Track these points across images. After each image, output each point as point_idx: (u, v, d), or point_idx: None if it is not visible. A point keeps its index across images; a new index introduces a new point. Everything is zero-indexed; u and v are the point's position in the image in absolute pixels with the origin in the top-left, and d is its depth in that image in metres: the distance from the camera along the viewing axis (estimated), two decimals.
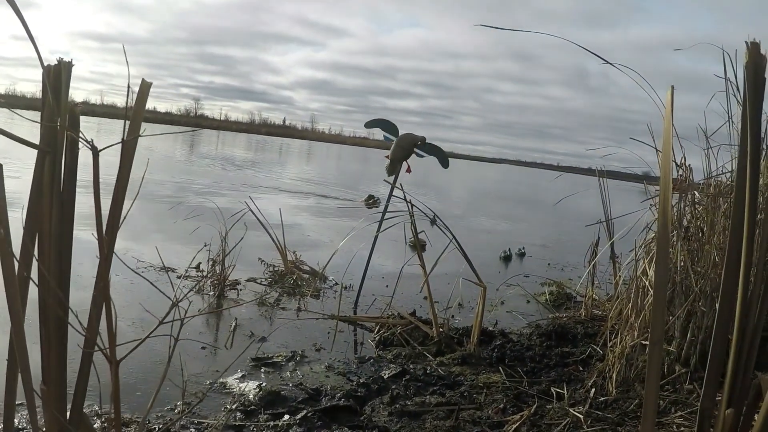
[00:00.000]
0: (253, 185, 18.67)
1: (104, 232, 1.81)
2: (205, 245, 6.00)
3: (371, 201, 17.90)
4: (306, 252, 8.23)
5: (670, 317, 4.42)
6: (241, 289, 6.68)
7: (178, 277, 6.70)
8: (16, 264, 1.71)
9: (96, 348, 1.89)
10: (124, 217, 1.89)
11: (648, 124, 5.07)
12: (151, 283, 2.39)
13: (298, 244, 8.25)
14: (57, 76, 1.75)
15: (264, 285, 7.04)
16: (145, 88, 1.80)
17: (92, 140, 1.63)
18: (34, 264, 1.81)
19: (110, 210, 1.83)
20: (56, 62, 1.75)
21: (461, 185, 37.93)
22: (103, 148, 1.71)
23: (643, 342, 4.37)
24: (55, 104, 1.74)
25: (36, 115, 1.81)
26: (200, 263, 7.02)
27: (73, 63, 1.77)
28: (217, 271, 6.52)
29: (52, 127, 1.73)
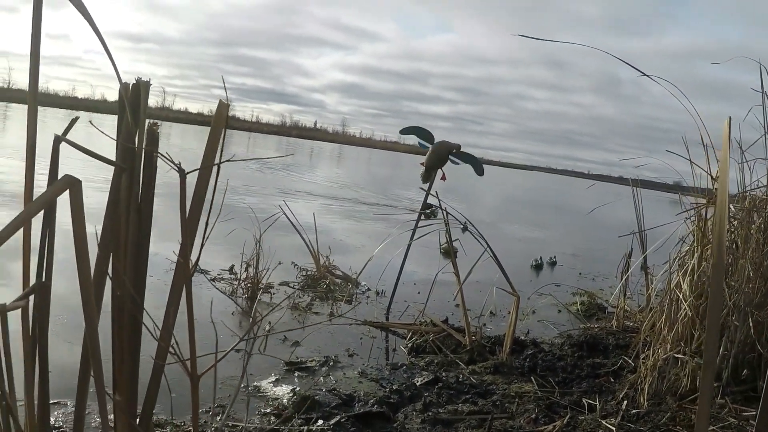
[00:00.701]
0: (285, 188, 18.77)
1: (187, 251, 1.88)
2: (242, 254, 6.06)
3: (429, 210, 17.44)
4: (339, 256, 8.28)
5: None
6: (274, 293, 6.75)
7: (212, 279, 6.79)
8: (92, 271, 1.77)
9: (173, 361, 1.95)
10: (208, 235, 1.95)
11: (683, 136, 5.09)
12: (228, 295, 2.46)
13: (330, 248, 8.30)
14: (136, 94, 1.82)
15: (297, 289, 7.10)
16: (222, 109, 1.85)
17: (179, 163, 1.70)
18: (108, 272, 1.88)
19: (182, 224, 1.88)
20: (135, 81, 1.81)
21: (492, 192, 37.82)
22: (189, 172, 1.77)
23: (676, 355, 4.38)
24: (134, 122, 1.81)
25: (69, 114, 1.87)
26: (233, 266, 7.09)
27: (151, 82, 1.84)
28: (251, 275, 6.58)
29: (129, 144, 1.80)
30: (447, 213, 5.97)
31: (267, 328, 5.50)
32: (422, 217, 6.83)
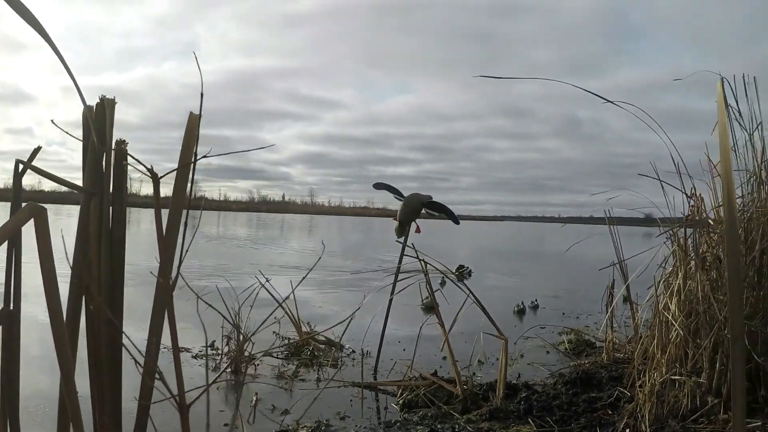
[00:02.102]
0: (258, 263, 18.61)
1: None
2: (222, 327, 5.94)
3: (460, 271, 17.37)
4: (320, 323, 8.15)
5: (697, 349, 4.36)
6: (257, 364, 6.59)
7: (194, 357, 6.65)
8: (65, 309, 1.69)
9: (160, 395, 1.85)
10: (186, 250, 1.86)
11: (652, 162, 5.09)
12: (216, 309, 2.35)
13: (311, 317, 8.18)
14: (100, 115, 1.74)
15: (280, 358, 6.95)
16: (194, 120, 1.79)
17: (152, 166, 1.62)
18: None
19: (158, 237, 1.80)
20: (98, 100, 1.74)
21: (465, 245, 37.83)
22: (163, 175, 1.70)
23: (673, 377, 4.30)
24: (100, 144, 1.73)
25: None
26: (214, 341, 6.96)
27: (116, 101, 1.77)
28: (232, 347, 6.44)
29: (97, 167, 1.72)
30: (426, 264, 5.89)
31: (253, 399, 5.38)
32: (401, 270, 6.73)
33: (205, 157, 1.80)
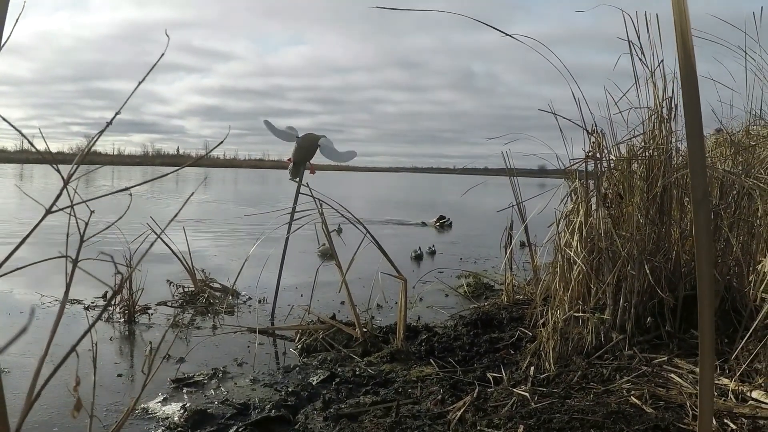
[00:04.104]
0: (154, 215, 17.98)
1: None
2: (114, 275, 5.61)
3: (441, 222, 17.15)
4: (215, 271, 7.89)
5: (600, 285, 4.31)
6: (152, 314, 6.30)
7: (86, 308, 6.34)
8: None
9: None
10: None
11: (549, 103, 5.00)
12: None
13: (206, 267, 7.91)
14: None
15: (175, 307, 6.68)
16: None
17: None
18: None
19: None
20: None
21: (361, 196, 37.75)
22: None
23: (576, 314, 4.25)
24: None
25: None
26: (106, 292, 6.66)
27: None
28: (125, 297, 6.13)
29: None
30: (321, 204, 5.69)
31: (148, 348, 5.12)
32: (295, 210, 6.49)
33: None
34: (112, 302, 6.34)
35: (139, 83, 1.60)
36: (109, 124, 1.53)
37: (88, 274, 1.71)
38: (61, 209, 1.56)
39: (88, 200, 1.60)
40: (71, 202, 1.62)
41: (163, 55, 1.54)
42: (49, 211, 1.49)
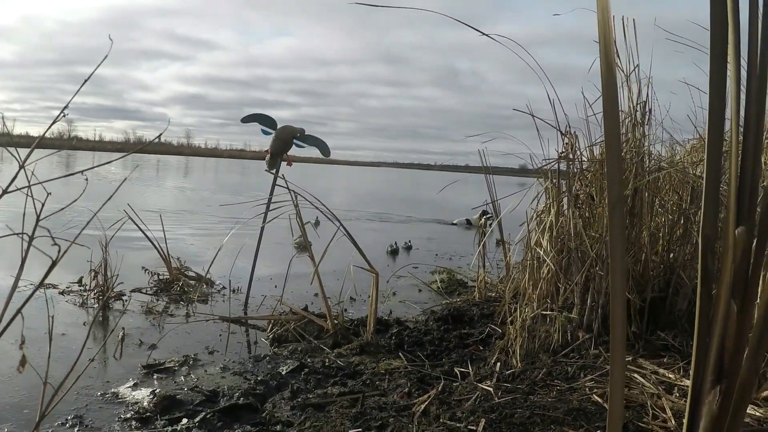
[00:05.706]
0: (131, 202, 17.91)
1: None
2: (89, 261, 5.62)
3: (485, 218, 14.49)
4: (191, 260, 7.92)
5: (568, 284, 4.37)
6: (126, 300, 6.30)
7: (60, 293, 6.34)
8: None
9: None
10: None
11: (527, 104, 5.05)
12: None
13: (182, 254, 7.93)
14: None
15: (150, 294, 6.68)
16: None
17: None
18: None
19: None
20: None
21: (341, 189, 37.78)
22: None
23: (544, 312, 4.31)
24: None
25: None
26: (82, 277, 6.65)
27: None
28: (100, 282, 6.13)
29: None
30: (297, 196, 5.72)
31: (120, 334, 5.13)
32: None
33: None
34: (87, 288, 6.35)
35: (91, 73, 1.62)
36: (62, 114, 1.56)
37: (55, 258, 1.75)
38: (19, 189, 1.59)
39: (43, 182, 1.63)
40: (29, 183, 1.66)
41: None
42: (5, 192, 1.53)
